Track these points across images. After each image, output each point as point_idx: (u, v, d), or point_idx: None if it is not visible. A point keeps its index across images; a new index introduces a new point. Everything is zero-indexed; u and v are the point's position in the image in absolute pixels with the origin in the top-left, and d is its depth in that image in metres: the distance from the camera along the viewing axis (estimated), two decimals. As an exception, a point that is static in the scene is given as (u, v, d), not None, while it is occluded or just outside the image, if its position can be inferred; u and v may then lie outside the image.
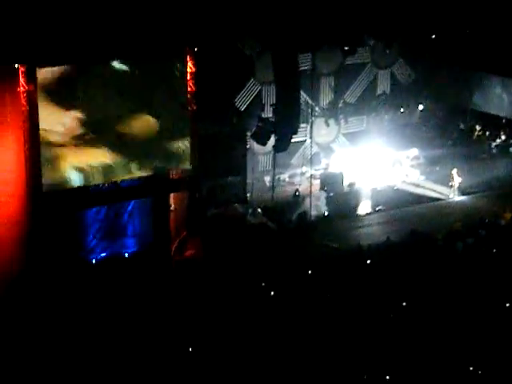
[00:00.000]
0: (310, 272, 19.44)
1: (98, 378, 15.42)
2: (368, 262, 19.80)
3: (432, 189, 25.31)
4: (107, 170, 20.18)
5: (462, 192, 24.88)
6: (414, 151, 26.34)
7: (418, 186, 25.61)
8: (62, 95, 19.16)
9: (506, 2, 23.85)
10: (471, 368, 15.46)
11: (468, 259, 19.98)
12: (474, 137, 26.87)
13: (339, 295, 18.30)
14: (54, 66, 18.77)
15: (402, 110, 26.29)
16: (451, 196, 24.78)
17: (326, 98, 25.44)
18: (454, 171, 24.81)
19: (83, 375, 15.47)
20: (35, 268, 19.36)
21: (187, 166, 21.33)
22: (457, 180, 24.78)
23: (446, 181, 25.21)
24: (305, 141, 25.05)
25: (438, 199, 24.74)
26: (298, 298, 18.11)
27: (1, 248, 19.11)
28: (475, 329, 16.66)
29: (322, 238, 22.17)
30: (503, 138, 26.89)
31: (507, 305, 17.59)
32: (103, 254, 20.97)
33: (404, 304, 17.73)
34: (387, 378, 15.23)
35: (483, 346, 16.12)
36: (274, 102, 23.65)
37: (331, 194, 24.18)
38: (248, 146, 24.04)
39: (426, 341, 16.32)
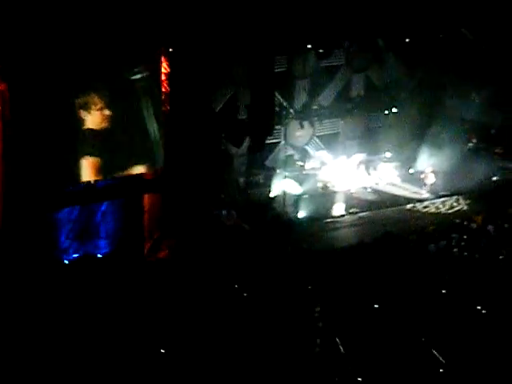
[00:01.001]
0: (283, 274, 19.50)
1: (68, 377, 15.34)
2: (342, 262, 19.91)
3: (406, 189, 25.51)
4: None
5: (435, 193, 25.11)
6: (388, 154, 26.48)
7: (391, 187, 25.81)
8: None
9: (479, 6, 24.10)
10: (441, 370, 15.61)
11: (440, 261, 20.16)
12: (446, 140, 27.05)
13: (312, 297, 18.37)
14: (27, 65, 18.65)
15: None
16: (424, 195, 25.01)
17: (300, 100, 25.45)
18: (428, 171, 25.04)
19: (54, 374, 15.38)
20: (8, 268, 19.21)
21: (161, 166, 21.30)
22: (430, 179, 25.05)
23: (419, 182, 25.47)
24: (279, 142, 25.09)
25: (411, 199, 24.92)
26: (271, 299, 18.15)
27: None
28: (446, 331, 16.81)
29: (296, 240, 22.24)
30: (474, 141, 27.15)
31: (478, 307, 17.76)
32: (76, 255, 20.86)
33: (376, 306, 17.84)
34: (359, 379, 15.32)
35: (454, 347, 16.27)
36: (249, 103, 23.70)
37: (305, 196, 24.25)
38: (222, 147, 24.04)
39: (399, 341, 16.43)
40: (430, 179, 25.16)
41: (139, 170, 21.15)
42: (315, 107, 25.59)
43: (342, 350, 16.08)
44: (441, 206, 24.74)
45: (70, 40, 18.63)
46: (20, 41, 18.09)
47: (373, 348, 16.22)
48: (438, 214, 24.18)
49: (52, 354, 16.01)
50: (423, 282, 18.85)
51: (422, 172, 25.61)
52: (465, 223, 22.51)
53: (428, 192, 25.15)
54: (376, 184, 25.91)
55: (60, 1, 18.43)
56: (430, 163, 25.67)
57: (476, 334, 16.76)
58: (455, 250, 20.82)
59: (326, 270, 19.83)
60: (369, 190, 25.62)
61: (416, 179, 25.85)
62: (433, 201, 24.93)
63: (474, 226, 22.39)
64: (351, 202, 24.58)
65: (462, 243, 21.04)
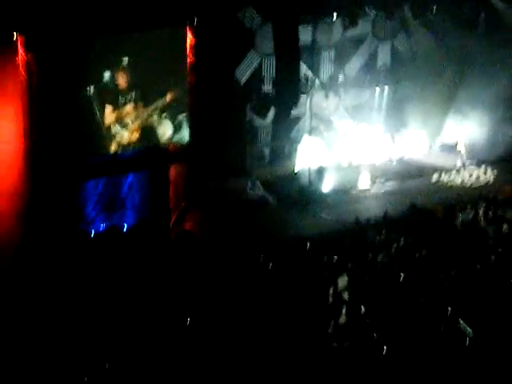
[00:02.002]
0: (307, 245, 19.50)
1: (95, 352, 15.45)
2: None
3: (432, 160, 25.34)
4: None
5: (462, 164, 24.90)
6: (414, 124, 26.22)
7: (417, 158, 25.66)
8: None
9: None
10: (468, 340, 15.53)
11: (466, 233, 20.03)
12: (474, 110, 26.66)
13: (338, 268, 18.35)
14: (53, 36, 18.65)
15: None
16: (458, 164, 24.81)
17: (326, 70, 25.25)
18: (455, 142, 24.83)
19: (80, 350, 15.49)
20: (34, 240, 19.38)
21: (186, 137, 21.31)
22: (457, 150, 24.85)
23: (446, 152, 25.30)
24: (304, 114, 24.95)
25: (438, 170, 24.71)
26: (296, 271, 18.16)
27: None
28: (474, 303, 16.69)
29: (320, 212, 22.21)
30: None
31: (507, 280, 17.60)
32: (102, 226, 20.99)
33: (401, 279, 17.78)
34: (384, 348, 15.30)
35: (481, 321, 16.15)
36: (274, 74, 23.57)
37: (330, 168, 24.16)
38: (247, 119, 23.97)
39: (424, 312, 16.36)
40: (457, 150, 24.96)
41: (165, 140, 21.17)
42: (341, 78, 25.38)
43: (367, 320, 16.07)
44: (467, 176, 24.54)
45: (95, 7, 18.60)
46: (45, 9, 18.08)
47: (399, 319, 16.18)
48: (464, 185, 24.00)
49: (78, 325, 16.16)
50: (449, 255, 18.73)
51: (449, 143, 25.39)
52: (491, 195, 22.30)
53: (455, 163, 24.97)
54: (402, 155, 25.75)
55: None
56: (457, 134, 25.44)
57: (505, 307, 16.63)
58: (482, 221, 20.66)
59: (351, 242, 19.80)
60: (394, 161, 25.48)
61: (443, 150, 25.68)
62: (459, 171, 24.74)
63: (501, 196, 22.18)
64: (376, 174, 24.46)
65: (490, 214, 20.88)
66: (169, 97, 20.58)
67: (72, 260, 19.03)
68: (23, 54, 18.47)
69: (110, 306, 16.77)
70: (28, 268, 18.70)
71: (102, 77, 19.70)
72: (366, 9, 24.34)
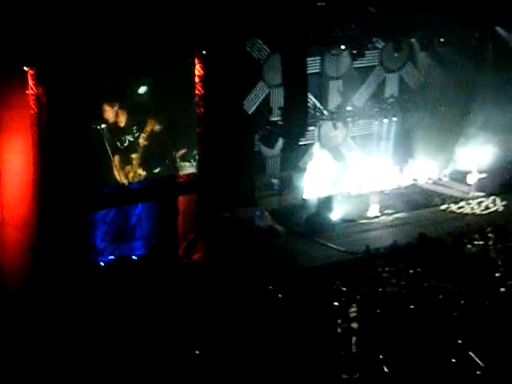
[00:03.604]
0: (316, 275, 19.46)
1: (104, 380, 15.46)
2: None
3: (441, 190, 25.34)
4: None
5: (471, 194, 24.88)
6: (423, 154, 26.24)
7: (426, 187, 25.65)
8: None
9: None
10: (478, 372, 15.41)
11: (476, 263, 19.94)
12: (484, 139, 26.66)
13: (347, 298, 18.29)
14: (63, 69, 18.84)
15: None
16: (470, 194, 24.80)
17: (334, 101, 25.40)
18: (473, 169, 24.84)
19: (88, 378, 15.49)
20: (44, 270, 19.43)
21: (195, 168, 21.40)
22: (467, 180, 24.87)
23: (455, 182, 25.28)
24: (313, 144, 25.04)
25: (446, 199, 24.68)
26: (306, 300, 18.12)
27: (10, 250, 19.24)
28: (483, 334, 16.59)
29: (329, 241, 22.18)
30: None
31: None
32: (111, 257, 21.03)
33: (412, 307, 17.71)
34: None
35: (492, 351, 16.05)
36: (282, 105, 23.71)
37: (339, 197, 24.17)
38: (256, 149, 24.07)
39: (434, 343, 16.28)
40: (467, 179, 24.96)
41: (174, 171, 21.28)
42: (349, 108, 25.51)
43: (376, 351, 15.99)
44: (476, 206, 24.48)
45: (105, 43, 18.81)
46: (55, 43, 18.28)
47: (409, 349, 16.10)
48: (473, 215, 23.93)
49: (85, 353, 16.16)
50: (459, 285, 18.65)
51: (458, 172, 25.39)
52: (500, 224, 22.21)
53: (464, 192, 24.96)
54: (411, 184, 25.76)
55: (96, 4, 18.63)
56: (467, 163, 25.44)
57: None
58: (492, 251, 20.58)
59: (360, 272, 19.75)
60: (403, 190, 25.48)
61: (453, 179, 25.69)
62: (468, 201, 24.69)
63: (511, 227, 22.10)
64: (385, 203, 24.44)
65: (499, 245, 20.81)
66: (175, 128, 20.78)
67: (81, 289, 19.07)
68: (33, 87, 18.65)
69: (118, 334, 16.79)
70: (38, 297, 18.76)
71: (109, 110, 19.87)
72: (374, 41, 24.50)
